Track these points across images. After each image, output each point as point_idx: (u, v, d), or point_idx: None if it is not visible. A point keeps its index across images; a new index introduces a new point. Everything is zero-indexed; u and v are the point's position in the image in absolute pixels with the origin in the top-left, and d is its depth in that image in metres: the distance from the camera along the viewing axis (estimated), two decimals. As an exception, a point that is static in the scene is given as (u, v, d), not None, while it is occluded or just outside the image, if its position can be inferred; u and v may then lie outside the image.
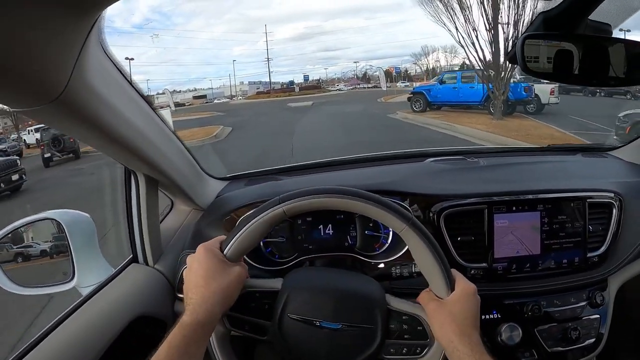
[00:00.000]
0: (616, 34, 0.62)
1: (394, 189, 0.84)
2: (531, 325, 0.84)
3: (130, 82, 0.67)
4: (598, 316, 0.88)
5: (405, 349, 0.62)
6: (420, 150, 1.13)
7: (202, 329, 0.55)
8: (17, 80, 0.42)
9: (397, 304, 0.63)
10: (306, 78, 30.35)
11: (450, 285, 0.60)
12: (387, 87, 19.26)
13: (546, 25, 0.60)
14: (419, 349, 0.62)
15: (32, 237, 0.91)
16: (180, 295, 0.86)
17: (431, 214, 0.82)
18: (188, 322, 0.54)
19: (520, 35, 0.63)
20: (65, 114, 0.53)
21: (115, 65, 0.62)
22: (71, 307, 0.78)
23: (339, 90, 28.81)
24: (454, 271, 0.62)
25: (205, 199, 0.93)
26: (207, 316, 0.56)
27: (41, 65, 0.42)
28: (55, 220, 0.86)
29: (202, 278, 0.59)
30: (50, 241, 0.90)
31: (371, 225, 0.87)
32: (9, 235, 0.86)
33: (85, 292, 0.87)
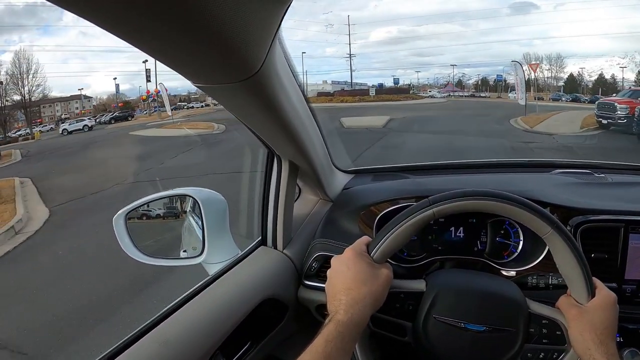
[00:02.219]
0: None
1: (534, 197, 0.85)
2: None
3: (292, 69, 0.70)
4: None
5: (542, 354, 0.62)
6: (547, 160, 1.12)
7: (356, 329, 0.57)
8: (220, 55, 0.44)
9: (537, 307, 0.64)
10: (396, 81, 26.84)
11: (591, 291, 0.60)
12: (523, 98, 13.21)
13: None
14: (555, 354, 0.62)
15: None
16: (307, 282, 0.88)
17: (569, 227, 0.83)
18: (344, 320, 0.56)
19: None
20: (251, 94, 0.56)
21: (284, 51, 0.65)
22: (201, 283, 0.81)
23: (432, 97, 25.08)
24: (594, 278, 0.62)
25: (333, 191, 0.96)
26: (360, 317, 0.58)
27: (245, 41, 0.43)
28: (192, 197, 0.90)
29: (353, 281, 0.60)
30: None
31: (502, 232, 0.87)
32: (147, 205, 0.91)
33: (210, 268, 0.90)
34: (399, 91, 25.64)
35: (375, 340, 0.73)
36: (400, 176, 1.03)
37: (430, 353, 0.65)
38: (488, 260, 0.86)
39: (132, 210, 0.93)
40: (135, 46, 0.40)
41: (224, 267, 0.86)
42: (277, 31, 0.49)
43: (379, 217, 0.86)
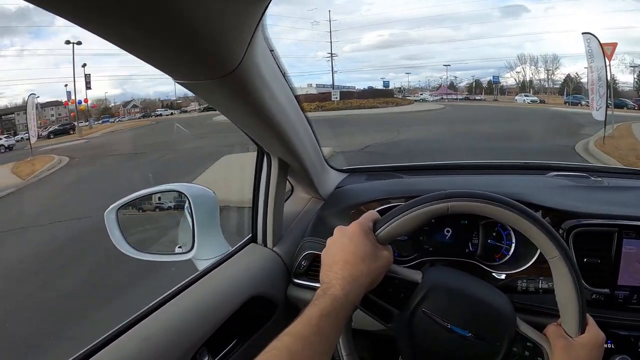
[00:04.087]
0: None
1: (527, 199, 0.83)
2: None
3: (279, 65, 0.69)
4: None
5: None
6: (542, 162, 1.10)
7: (350, 306, 0.56)
8: (198, 52, 0.44)
9: (525, 329, 0.62)
10: (386, 84, 25.47)
11: (582, 326, 0.59)
12: (602, 106, 7.94)
13: None
14: None
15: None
16: (297, 281, 0.88)
17: (561, 231, 0.81)
18: (340, 296, 0.55)
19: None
20: (231, 90, 0.55)
21: (271, 50, 0.64)
22: (189, 279, 0.81)
23: (423, 100, 22.46)
24: (587, 315, 0.61)
25: (326, 189, 0.95)
26: (355, 295, 0.56)
27: (221, 39, 0.43)
28: (183, 193, 0.90)
29: (353, 256, 0.59)
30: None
31: (494, 234, 0.86)
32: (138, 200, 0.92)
33: (200, 264, 0.91)
34: (382, 94, 22.27)
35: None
36: (395, 176, 1.02)
37: (410, 346, 0.64)
38: (479, 262, 0.85)
39: (124, 205, 0.93)
40: (113, 43, 0.40)
41: (213, 264, 0.86)
42: (256, 29, 0.48)
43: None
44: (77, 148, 12.74)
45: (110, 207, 0.93)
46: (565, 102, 20.57)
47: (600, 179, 1.02)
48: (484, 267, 0.84)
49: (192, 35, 0.40)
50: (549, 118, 13.67)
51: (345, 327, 0.66)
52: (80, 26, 0.36)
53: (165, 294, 0.77)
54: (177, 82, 0.52)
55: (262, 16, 0.48)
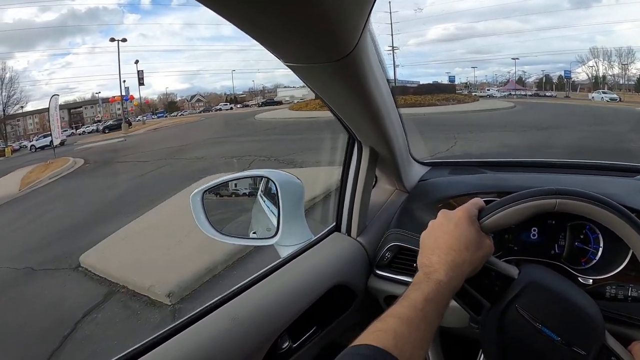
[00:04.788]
0: None
1: (623, 202, 0.82)
2: None
3: (378, 53, 0.68)
4: None
5: None
6: (630, 164, 1.08)
7: (451, 293, 0.55)
8: (318, 34, 0.44)
9: (612, 343, 0.59)
10: (452, 79, 23.93)
11: None
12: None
13: None
14: None
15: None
16: (379, 272, 0.88)
17: None
18: (445, 281, 0.54)
19: None
20: (342, 75, 0.56)
21: (373, 40, 0.64)
22: (274, 264, 0.83)
23: (490, 96, 20.23)
24: None
25: (410, 181, 0.95)
26: (457, 282, 0.56)
27: (341, 20, 0.44)
28: (270, 179, 0.93)
29: (457, 242, 0.58)
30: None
31: (582, 237, 0.85)
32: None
33: (283, 250, 0.92)
34: (443, 90, 19.15)
35: None
36: (479, 171, 1.01)
37: (496, 341, 0.62)
38: (565, 265, 0.83)
39: (210, 188, 0.96)
40: (234, 24, 0.41)
41: (297, 251, 0.87)
42: (369, 14, 0.49)
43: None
44: (105, 149, 12.55)
45: (195, 190, 0.96)
46: None
47: None
48: (570, 270, 0.82)
49: (313, 16, 0.41)
50: None
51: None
52: (203, 4, 0.37)
53: (252, 277, 0.79)
54: (287, 65, 0.54)
55: (374, 1, 0.48)
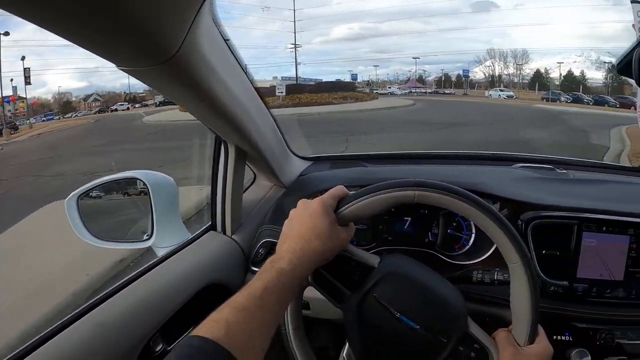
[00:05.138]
0: None
1: (486, 190, 0.82)
2: (601, 354, 0.81)
3: (234, 54, 0.68)
4: None
5: None
6: (509, 154, 1.08)
7: (298, 281, 0.55)
8: (135, 37, 0.43)
9: (475, 330, 0.61)
10: (354, 77, 24.99)
11: (533, 336, 0.59)
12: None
13: None
14: None
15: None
16: (255, 269, 0.88)
17: (520, 222, 0.80)
18: (287, 270, 0.53)
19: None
20: (173, 77, 0.55)
21: (222, 35, 0.63)
22: (146, 266, 0.81)
23: (392, 94, 21.31)
24: (539, 327, 0.61)
25: (288, 177, 0.94)
26: (302, 270, 0.55)
27: (158, 23, 0.43)
28: (141, 180, 0.89)
29: (309, 232, 0.57)
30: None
31: (454, 224, 0.85)
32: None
33: (161, 252, 0.90)
34: (341, 88, 18.90)
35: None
36: (359, 164, 1.01)
37: (357, 329, 0.63)
38: (439, 252, 0.84)
39: (84, 192, 0.92)
40: (52, 31, 0.39)
41: (170, 251, 0.85)
42: (197, 14, 0.48)
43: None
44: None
45: (70, 195, 0.92)
46: (542, 98, 19.96)
47: (565, 171, 1.01)
48: (443, 257, 0.83)
49: (128, 18, 0.40)
50: (550, 120, 11.14)
51: (295, 301, 0.65)
52: (14, 13, 0.35)
53: (121, 281, 0.77)
54: (120, 69, 0.51)
55: (201, 3, 0.47)
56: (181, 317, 0.76)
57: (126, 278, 0.77)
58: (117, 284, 0.76)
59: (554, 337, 0.82)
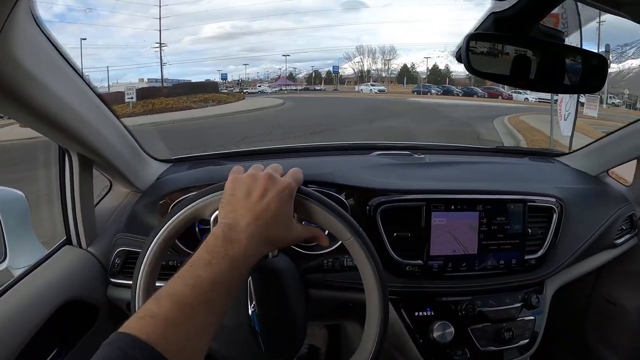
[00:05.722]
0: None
1: (332, 180, 0.83)
2: (465, 324, 0.85)
3: (65, 58, 0.65)
4: (533, 318, 0.90)
5: None
6: (368, 142, 1.11)
7: (247, 269, 0.48)
8: None
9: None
10: (224, 77, 24.78)
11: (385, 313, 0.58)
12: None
13: (497, 25, 0.60)
14: None
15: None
16: (114, 280, 0.84)
17: (368, 208, 0.82)
18: (241, 261, 0.46)
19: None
20: None
21: (49, 39, 0.60)
22: None
23: (262, 92, 20.64)
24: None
25: (144, 181, 0.91)
26: (254, 262, 0.49)
27: None
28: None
29: (271, 214, 0.50)
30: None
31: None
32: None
33: (18, 274, 0.84)
34: (203, 89, 16.37)
35: None
36: (215, 162, 1.00)
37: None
38: (295, 246, 0.84)
39: None
40: None
41: (24, 272, 0.80)
42: (5, 23, 0.44)
43: (171, 207, 0.83)
44: None
45: None
46: (413, 91, 20.97)
47: (423, 156, 1.05)
48: (298, 249, 0.83)
49: None
50: (430, 114, 10.67)
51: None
52: None
53: None
54: None
55: (15, 3, 0.44)
56: (42, 340, 0.72)
57: None
58: None
59: (416, 313, 0.85)
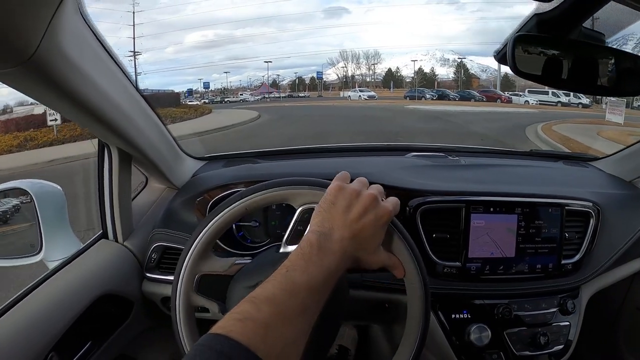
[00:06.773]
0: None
1: (372, 180, 0.83)
2: (501, 327, 0.84)
3: (110, 54, 0.66)
4: (568, 323, 0.89)
5: None
6: (403, 144, 1.11)
7: (336, 280, 0.47)
8: None
9: None
10: (206, 86, 24.97)
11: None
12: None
13: (540, 27, 0.60)
14: None
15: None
16: (149, 275, 0.84)
17: (407, 209, 0.82)
18: (333, 270, 0.46)
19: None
20: (34, 78, 0.52)
21: (94, 34, 0.61)
22: (36, 281, 0.76)
23: (244, 100, 20.51)
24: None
25: (180, 178, 0.92)
26: (341, 273, 0.48)
27: (11, 23, 0.41)
28: (25, 190, 0.84)
29: (367, 235, 0.50)
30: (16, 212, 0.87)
31: None
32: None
33: (52, 266, 0.85)
34: (164, 102, 13.62)
35: None
36: (250, 161, 1.00)
37: None
38: None
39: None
40: None
41: (61, 264, 0.80)
42: (56, 12, 0.46)
43: (210, 204, 0.83)
44: None
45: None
46: (405, 97, 20.29)
47: (457, 158, 1.04)
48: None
49: None
50: (452, 129, 9.15)
51: None
52: None
53: (11, 299, 0.72)
54: None
55: (59, 3, 0.45)
56: (77, 331, 0.73)
57: (16, 295, 0.72)
58: (6, 302, 0.71)
59: (453, 316, 0.83)
